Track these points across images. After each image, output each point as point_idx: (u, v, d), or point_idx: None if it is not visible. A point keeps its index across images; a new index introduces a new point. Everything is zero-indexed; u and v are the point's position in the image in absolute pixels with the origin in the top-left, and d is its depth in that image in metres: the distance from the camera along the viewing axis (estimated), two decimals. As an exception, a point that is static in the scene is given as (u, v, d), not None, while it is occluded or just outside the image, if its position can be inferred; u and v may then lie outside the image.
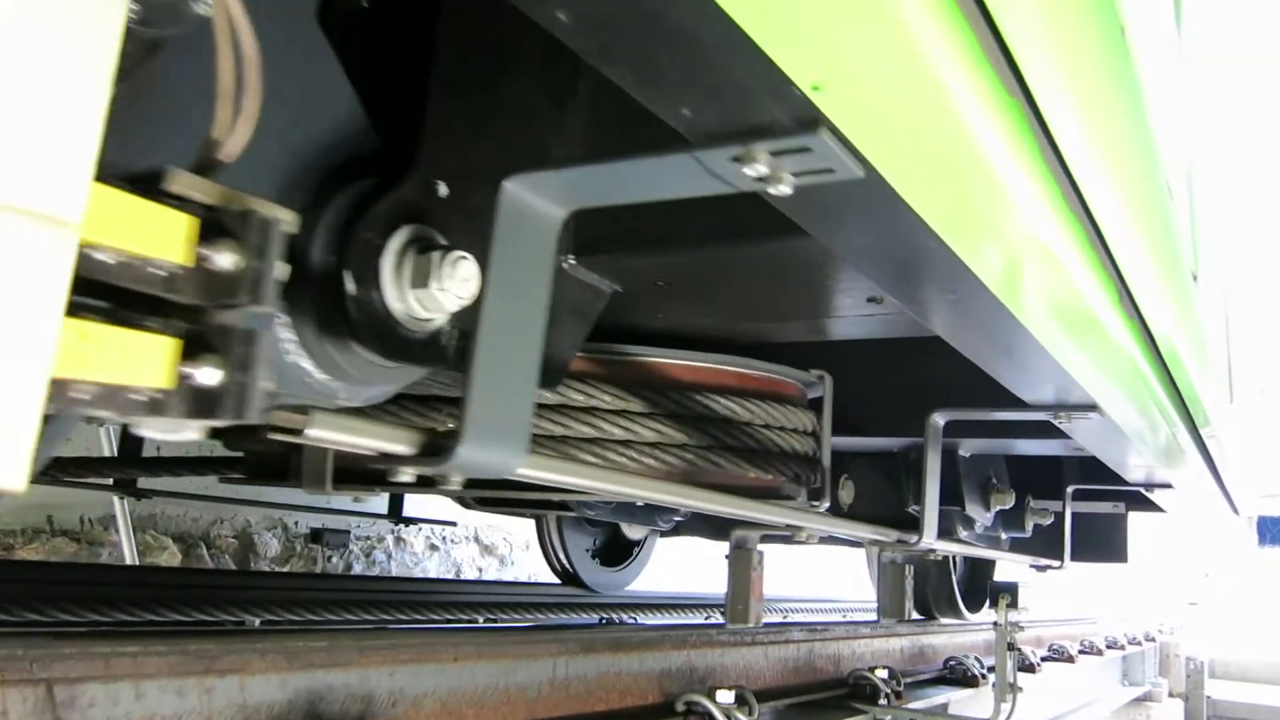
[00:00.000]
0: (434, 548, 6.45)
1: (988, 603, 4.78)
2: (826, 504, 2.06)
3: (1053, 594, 8.09)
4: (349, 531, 5.47)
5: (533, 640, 1.88)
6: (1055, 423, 1.90)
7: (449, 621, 3.33)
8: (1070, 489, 3.58)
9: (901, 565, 2.10)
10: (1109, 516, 4.23)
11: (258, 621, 2.72)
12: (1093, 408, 1.77)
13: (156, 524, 4.74)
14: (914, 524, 3.05)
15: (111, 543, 4.45)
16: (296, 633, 1.51)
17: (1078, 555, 4.08)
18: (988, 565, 4.76)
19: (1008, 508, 3.27)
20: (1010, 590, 2.79)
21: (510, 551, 6.88)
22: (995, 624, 2.76)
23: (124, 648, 1.25)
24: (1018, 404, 2.03)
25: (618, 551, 4.87)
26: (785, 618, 5.00)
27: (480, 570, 6.64)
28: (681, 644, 2.27)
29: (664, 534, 4.76)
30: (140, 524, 4.58)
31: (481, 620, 3.56)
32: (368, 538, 5.87)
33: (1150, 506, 4.01)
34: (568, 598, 4.40)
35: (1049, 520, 3.74)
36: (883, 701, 2.67)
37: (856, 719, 2.57)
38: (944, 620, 4.25)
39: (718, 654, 2.41)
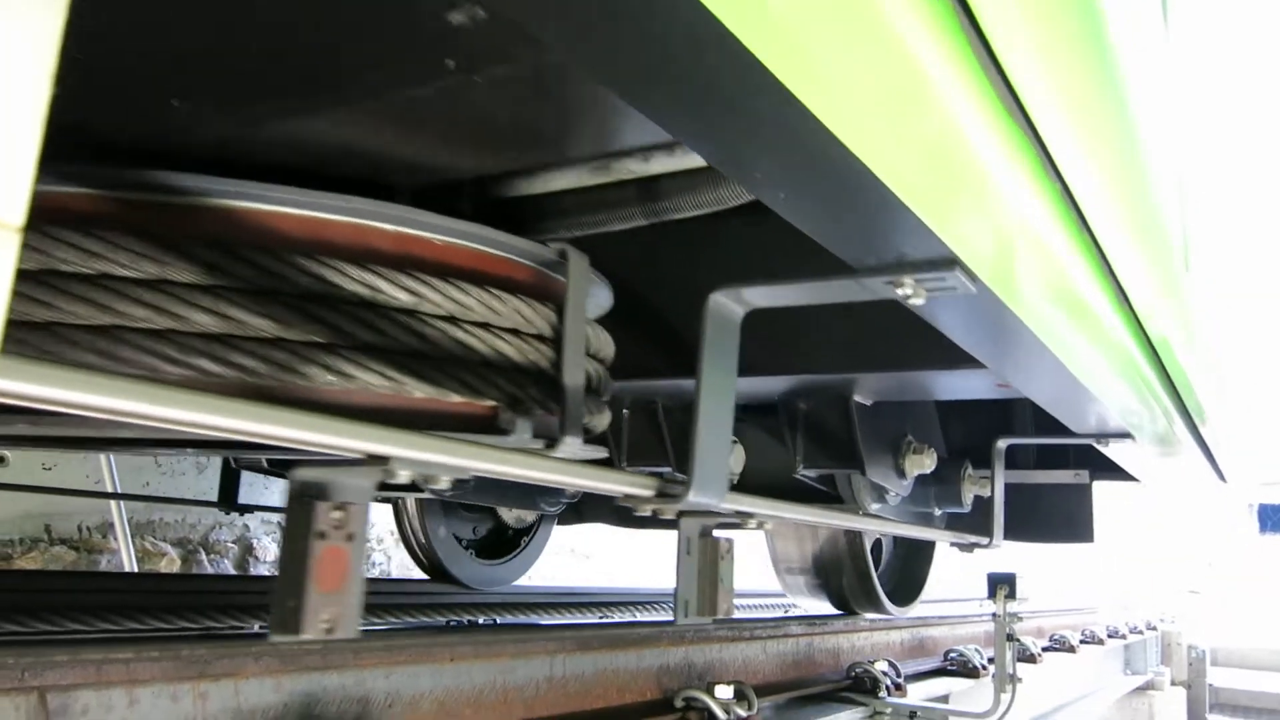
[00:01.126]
0: (434, 549, 6.44)
1: (980, 595, 3.65)
2: (576, 444, 1.30)
3: (1056, 585, 8.10)
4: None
5: (530, 639, 1.88)
6: (899, 298, 1.16)
7: (448, 623, 3.32)
8: (1002, 445, 2.82)
9: (717, 541, 1.53)
10: (1071, 488, 3.56)
11: (257, 625, 2.72)
12: (950, 264, 1.06)
13: (155, 530, 4.74)
14: (812, 495, 2.63)
15: (111, 550, 4.45)
16: (291, 636, 1.51)
17: (1036, 533, 3.59)
18: (925, 551, 4.02)
19: (928, 472, 2.66)
20: (1008, 581, 2.79)
21: (511, 551, 6.88)
22: (994, 615, 2.76)
23: (116, 654, 1.25)
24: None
25: (501, 542, 4.22)
26: (786, 612, 5.00)
27: (481, 571, 6.63)
28: (679, 640, 2.27)
29: (562, 521, 4.21)
30: (139, 530, 4.58)
31: (481, 621, 3.56)
32: (366, 539, 5.86)
33: (1119, 474, 3.37)
34: (563, 596, 4.38)
35: (988, 492, 3.11)
36: (883, 694, 2.67)
37: (856, 711, 2.57)
38: (870, 616, 3.62)
39: (716, 649, 2.41)
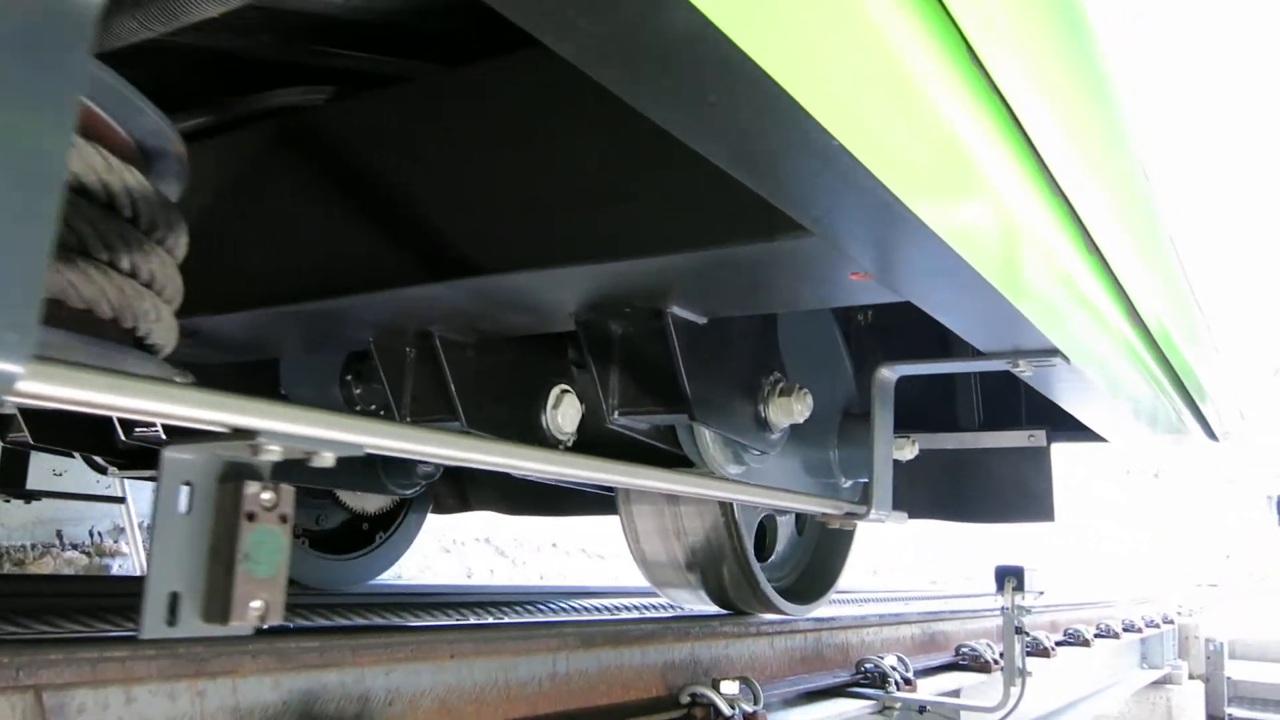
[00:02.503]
0: (446, 551, 6.46)
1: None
2: None
3: (1071, 579, 8.07)
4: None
5: (532, 636, 1.88)
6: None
7: (454, 622, 3.32)
8: (887, 374, 2.16)
9: (243, 488, 0.85)
10: (1025, 455, 2.91)
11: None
12: None
13: (167, 534, 4.76)
14: (672, 460, 2.10)
15: (122, 554, 4.47)
16: (289, 633, 1.51)
17: (984, 511, 3.05)
18: (837, 539, 3.20)
19: (800, 421, 2.00)
20: (1016, 574, 2.77)
21: (521, 552, 6.90)
22: (1002, 609, 2.74)
23: (112, 652, 1.25)
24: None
25: (356, 535, 3.69)
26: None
27: (492, 572, 6.65)
28: (684, 636, 2.27)
29: (441, 509, 3.78)
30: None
31: (489, 619, 3.56)
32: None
33: (1083, 432, 2.73)
34: (568, 591, 4.33)
35: (910, 455, 2.54)
36: (892, 688, 2.66)
37: (865, 705, 2.56)
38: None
39: (722, 645, 2.40)
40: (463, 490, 3.63)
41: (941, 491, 3.12)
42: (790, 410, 1.97)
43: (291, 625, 2.47)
